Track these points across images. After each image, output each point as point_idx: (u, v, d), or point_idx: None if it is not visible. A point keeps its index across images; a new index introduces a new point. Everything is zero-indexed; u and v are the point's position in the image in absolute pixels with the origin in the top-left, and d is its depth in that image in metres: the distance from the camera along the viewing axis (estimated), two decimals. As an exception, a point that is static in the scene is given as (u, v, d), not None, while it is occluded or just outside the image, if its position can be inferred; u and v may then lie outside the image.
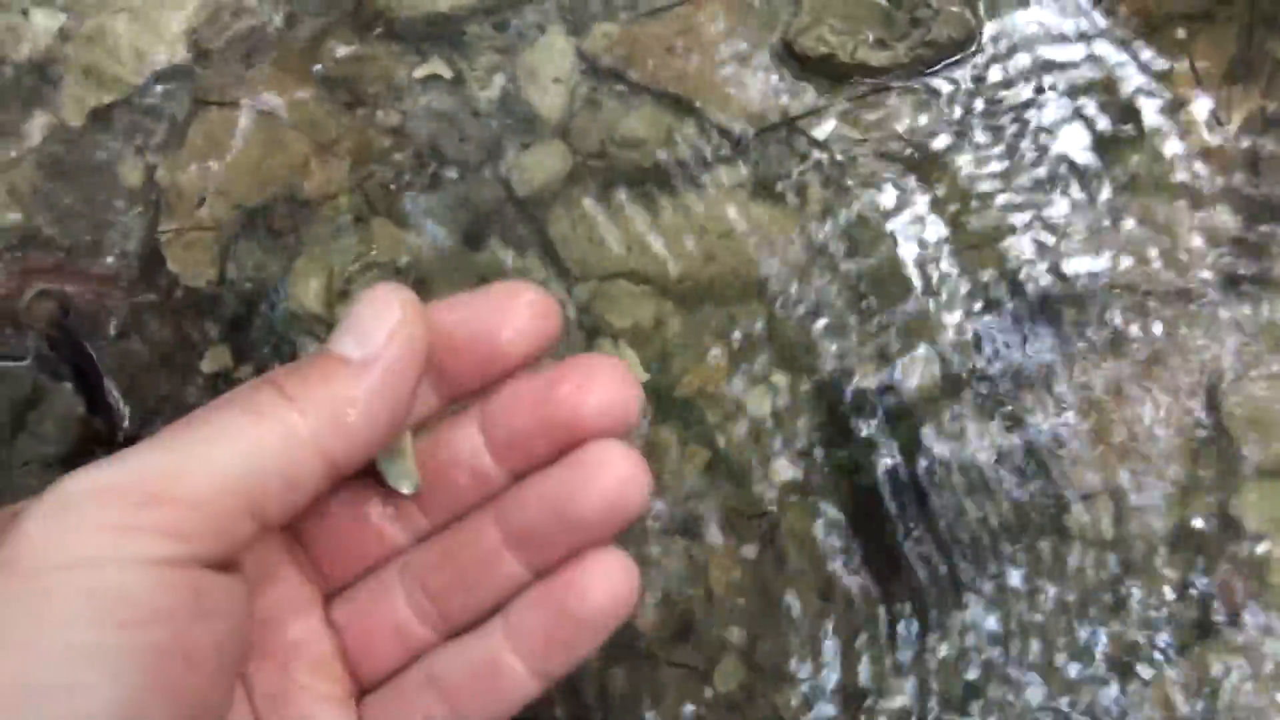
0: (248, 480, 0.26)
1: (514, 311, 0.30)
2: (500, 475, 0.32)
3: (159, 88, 0.58)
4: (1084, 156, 0.53)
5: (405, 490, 0.32)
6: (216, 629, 0.26)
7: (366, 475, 0.33)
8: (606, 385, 0.30)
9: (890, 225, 0.53)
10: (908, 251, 0.53)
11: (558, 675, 0.31)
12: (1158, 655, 0.50)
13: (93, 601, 0.24)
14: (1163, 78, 0.54)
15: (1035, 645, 0.50)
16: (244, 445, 0.27)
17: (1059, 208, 0.53)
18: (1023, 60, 0.54)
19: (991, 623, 0.50)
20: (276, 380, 0.28)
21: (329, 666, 0.32)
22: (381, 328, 0.28)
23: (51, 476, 0.55)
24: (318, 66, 0.56)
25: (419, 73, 0.55)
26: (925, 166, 0.53)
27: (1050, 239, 0.53)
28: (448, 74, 0.55)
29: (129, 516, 0.25)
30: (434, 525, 0.33)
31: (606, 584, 0.30)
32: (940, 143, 0.53)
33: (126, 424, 0.55)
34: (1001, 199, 0.53)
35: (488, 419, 0.31)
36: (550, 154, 0.54)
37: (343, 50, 0.56)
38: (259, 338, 0.55)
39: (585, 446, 0.30)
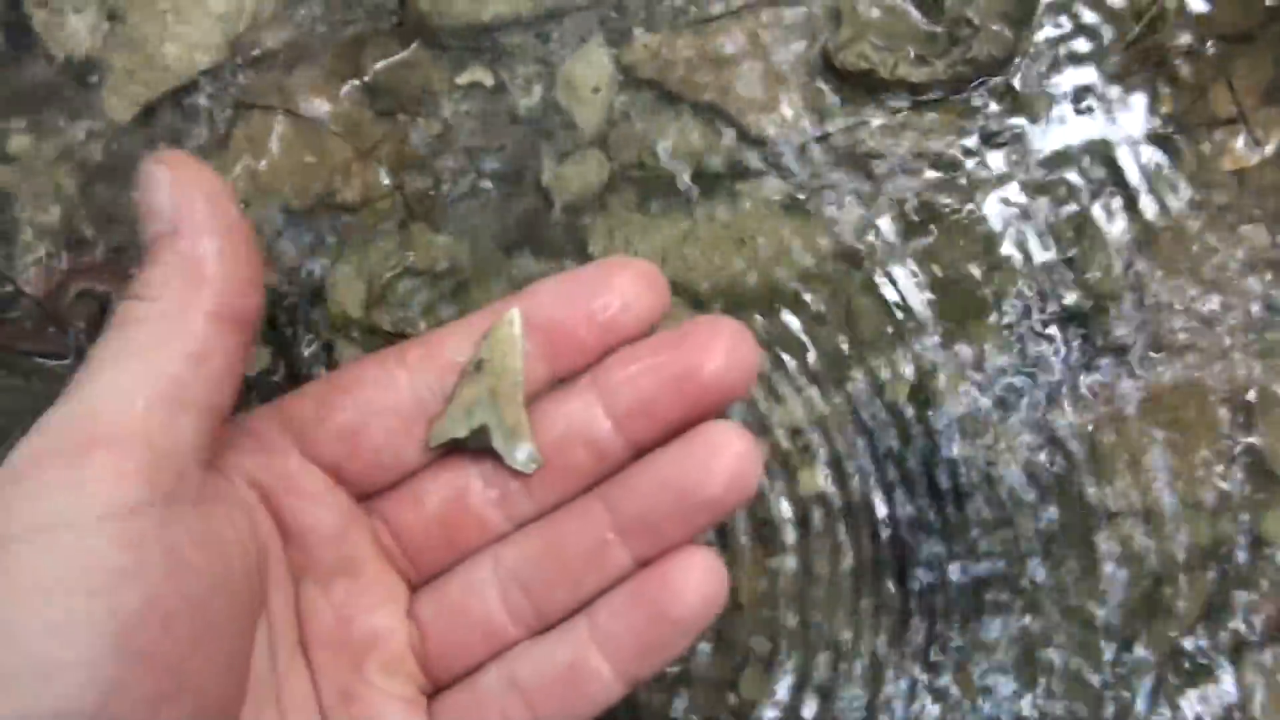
0: (156, 380, 0.26)
1: (623, 285, 0.30)
2: (620, 447, 0.31)
3: (201, 90, 0.58)
4: (1118, 175, 0.53)
5: (528, 470, 0.31)
6: (193, 585, 0.25)
7: (476, 457, 0.32)
8: (730, 343, 0.29)
9: (925, 240, 0.53)
10: (943, 266, 0.53)
11: (645, 679, 0.30)
12: (1187, 675, 0.50)
13: (58, 571, 0.23)
14: (1200, 98, 0.54)
15: (1063, 661, 0.50)
16: (133, 353, 0.26)
17: (1093, 226, 0.53)
18: (1061, 79, 0.54)
19: (1019, 638, 0.50)
20: (125, 294, 0.28)
21: (404, 664, 0.31)
22: (164, 191, 0.29)
23: None
24: (360, 73, 0.56)
25: (460, 80, 0.56)
26: (961, 183, 0.53)
27: (1085, 257, 0.53)
28: (488, 82, 0.55)
29: (74, 471, 0.24)
30: (538, 509, 0.32)
31: (700, 583, 0.29)
32: (976, 160, 0.54)
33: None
34: (1036, 216, 0.53)
35: (607, 386, 0.30)
36: (588, 163, 0.54)
37: (385, 57, 0.56)
38: (299, 340, 0.55)
39: (698, 429, 0.29)
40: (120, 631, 0.23)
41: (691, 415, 0.30)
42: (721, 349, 0.29)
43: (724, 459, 0.29)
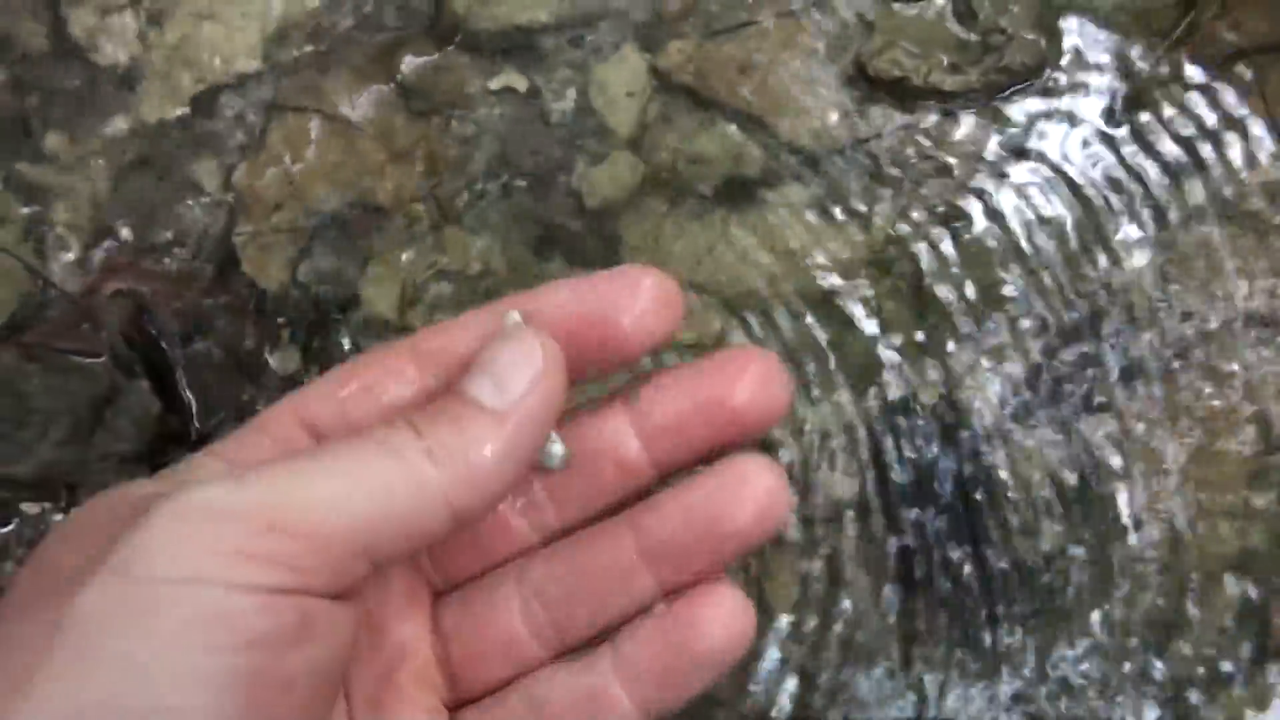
0: (369, 523, 0.26)
1: (636, 296, 0.29)
2: (646, 465, 0.31)
3: (238, 93, 0.59)
4: (1149, 185, 0.54)
5: (560, 467, 0.31)
6: (317, 655, 0.26)
7: None
8: (761, 375, 0.29)
9: (956, 248, 0.53)
10: (972, 274, 0.53)
11: (665, 713, 0.30)
12: (1213, 682, 0.50)
13: (199, 622, 0.24)
14: (1231, 109, 0.54)
15: (1090, 671, 0.50)
16: (371, 486, 0.26)
17: (1121, 235, 0.53)
18: (1093, 88, 0.54)
19: (1047, 647, 0.50)
20: (413, 421, 0.27)
21: (430, 674, 0.31)
22: (522, 377, 0.27)
23: (128, 472, 0.55)
24: (395, 75, 0.57)
25: (494, 84, 0.56)
26: (992, 190, 0.54)
27: (1112, 267, 0.53)
28: (522, 86, 0.56)
29: (247, 542, 0.25)
30: (563, 525, 0.32)
31: (725, 621, 0.29)
32: (1008, 168, 0.54)
33: (198, 423, 0.56)
34: (1067, 226, 0.53)
35: (637, 406, 0.30)
36: (621, 167, 0.55)
37: (420, 60, 0.57)
38: (331, 342, 0.56)
39: (729, 459, 0.29)
40: (246, 688, 0.24)
41: (719, 442, 0.30)
42: (751, 381, 0.29)
43: (754, 491, 0.29)
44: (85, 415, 0.55)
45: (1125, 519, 0.51)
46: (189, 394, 0.56)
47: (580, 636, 0.31)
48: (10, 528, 0.56)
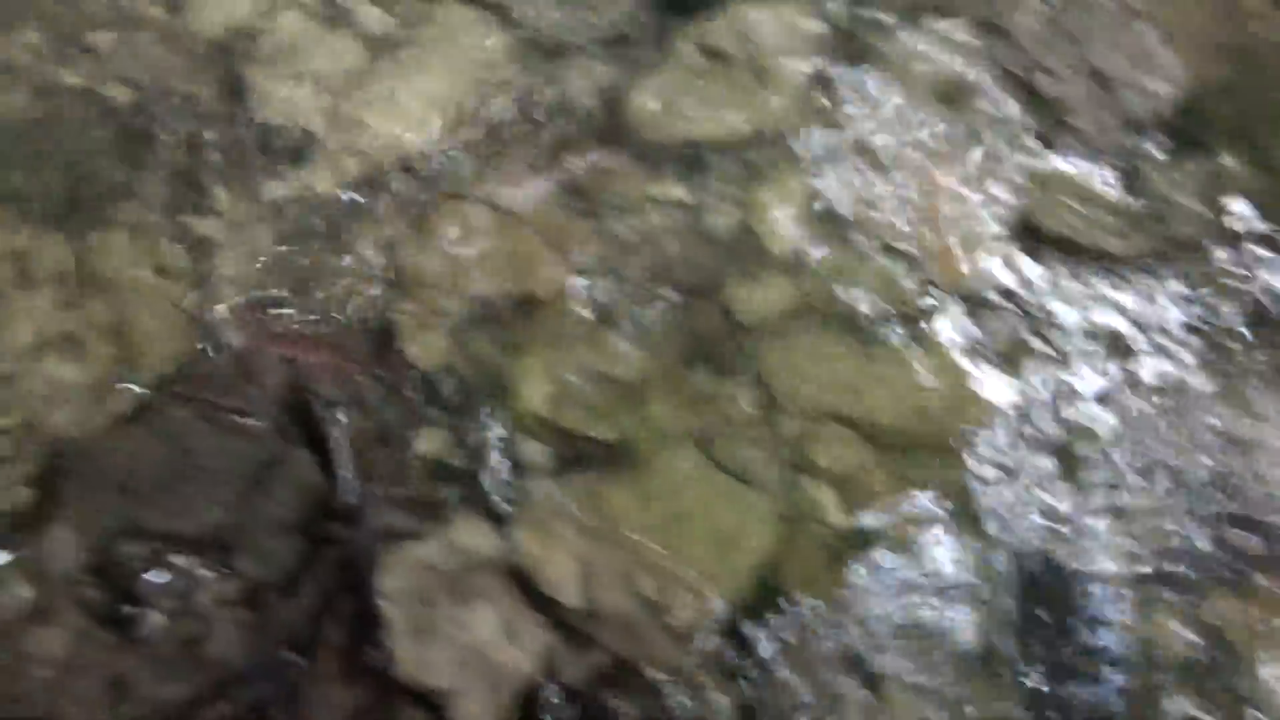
0: None
1: None
2: None
3: (408, 173, 0.60)
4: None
5: None
6: None
7: None
8: None
9: (1098, 403, 0.54)
10: (1108, 427, 0.54)
11: None
12: None
13: None
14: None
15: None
16: None
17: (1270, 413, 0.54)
18: (1259, 269, 0.55)
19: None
20: None
21: None
22: None
23: (286, 542, 0.57)
24: (561, 173, 0.58)
25: (658, 192, 0.57)
26: (1140, 351, 0.54)
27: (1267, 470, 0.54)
28: (686, 198, 0.57)
29: None
30: None
31: None
32: (1168, 339, 0.55)
33: (344, 497, 0.57)
34: (1220, 400, 0.54)
35: None
36: (774, 288, 0.56)
37: (587, 159, 0.58)
38: (481, 428, 0.57)
39: None
40: None
41: None
42: None
43: None
44: (248, 478, 0.56)
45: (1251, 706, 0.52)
46: (346, 465, 0.57)
47: None
48: (156, 576, 0.58)
